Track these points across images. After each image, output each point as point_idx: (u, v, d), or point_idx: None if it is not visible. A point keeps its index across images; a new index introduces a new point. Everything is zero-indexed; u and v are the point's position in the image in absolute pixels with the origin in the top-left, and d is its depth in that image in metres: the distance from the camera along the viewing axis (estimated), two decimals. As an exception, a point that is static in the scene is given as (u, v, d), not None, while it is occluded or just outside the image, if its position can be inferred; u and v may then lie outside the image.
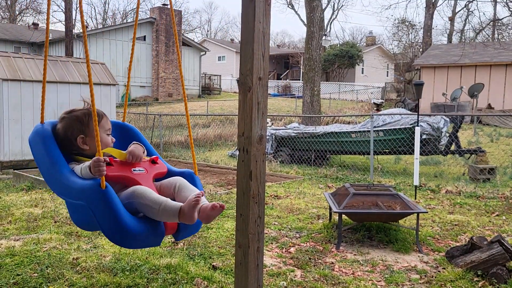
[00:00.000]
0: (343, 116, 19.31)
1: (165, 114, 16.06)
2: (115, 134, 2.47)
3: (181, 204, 1.96)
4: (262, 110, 2.34)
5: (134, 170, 2.13)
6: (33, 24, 34.33)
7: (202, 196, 2.04)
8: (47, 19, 2.35)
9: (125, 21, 46.42)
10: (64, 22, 21.82)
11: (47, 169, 2.16)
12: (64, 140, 2.22)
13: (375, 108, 23.27)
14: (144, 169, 2.18)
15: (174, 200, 2.09)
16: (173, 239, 4.54)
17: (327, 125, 14.78)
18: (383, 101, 26.16)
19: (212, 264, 3.88)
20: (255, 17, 2.23)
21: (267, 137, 11.23)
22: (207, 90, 34.60)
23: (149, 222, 2.05)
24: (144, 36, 29.37)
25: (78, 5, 2.23)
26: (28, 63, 9.58)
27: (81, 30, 30.06)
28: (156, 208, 1.94)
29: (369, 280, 3.64)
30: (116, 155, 2.15)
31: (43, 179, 7.54)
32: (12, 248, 4.19)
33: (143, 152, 2.23)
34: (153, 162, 2.28)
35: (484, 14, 60.03)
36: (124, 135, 2.55)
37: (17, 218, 5.31)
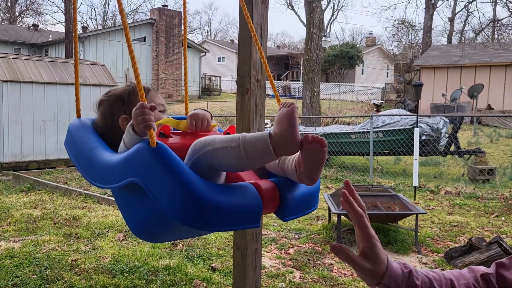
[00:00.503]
0: (343, 117, 19.31)
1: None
2: None
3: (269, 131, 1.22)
4: (260, 112, 2.35)
5: None
6: (33, 25, 34.34)
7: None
8: (75, 19, 1.84)
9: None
10: (64, 24, 21.84)
11: (85, 160, 1.60)
12: (105, 129, 1.67)
13: (375, 109, 23.27)
14: None
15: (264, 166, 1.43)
16: (171, 242, 4.54)
17: (327, 126, 14.78)
18: (383, 102, 26.17)
19: (211, 265, 3.89)
20: (253, 19, 2.23)
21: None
22: (207, 91, 34.61)
23: (237, 188, 1.29)
24: (144, 37, 29.39)
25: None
26: (28, 64, 9.59)
27: (81, 31, 30.07)
28: (235, 144, 1.20)
29: (368, 281, 3.64)
30: (173, 124, 1.52)
31: (43, 180, 7.52)
32: (11, 249, 4.20)
33: (211, 118, 1.61)
34: (228, 134, 1.46)
35: (483, 14, 60.10)
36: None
37: (17, 219, 5.31)
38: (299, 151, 1.24)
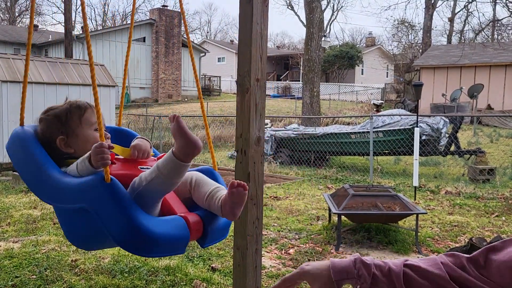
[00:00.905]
0: (343, 117, 19.31)
1: (165, 116, 16.07)
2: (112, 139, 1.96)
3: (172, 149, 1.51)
4: (260, 112, 2.34)
5: (141, 168, 1.71)
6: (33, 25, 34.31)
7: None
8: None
9: (124, 22, 46.44)
10: (63, 24, 21.84)
11: (32, 173, 1.73)
12: (46, 145, 1.78)
13: (374, 109, 23.27)
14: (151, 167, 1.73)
15: (192, 198, 1.73)
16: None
17: (326, 126, 14.77)
18: (382, 102, 26.17)
19: (211, 265, 3.88)
20: (253, 19, 2.23)
21: (267, 138, 11.22)
22: (207, 91, 34.60)
23: (169, 222, 1.59)
24: (144, 38, 29.39)
25: (80, 7, 1.79)
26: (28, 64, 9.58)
27: (81, 32, 30.06)
28: (157, 173, 1.48)
29: (368, 282, 3.63)
30: (118, 151, 1.72)
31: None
32: (10, 250, 4.19)
33: (150, 147, 1.83)
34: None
35: (483, 14, 60.11)
36: (121, 141, 2.08)
37: (16, 220, 5.30)
38: (226, 193, 1.54)
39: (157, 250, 1.54)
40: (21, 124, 1.88)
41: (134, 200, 1.53)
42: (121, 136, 2.11)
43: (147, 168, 1.63)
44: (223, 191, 1.63)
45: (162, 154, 1.80)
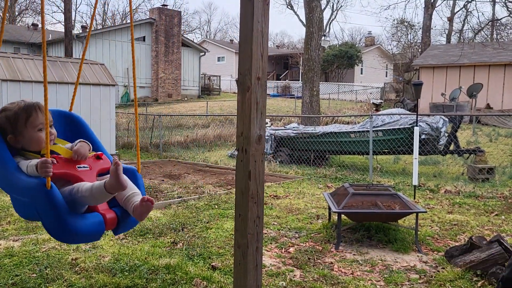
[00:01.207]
0: (342, 116, 19.32)
1: (164, 115, 16.06)
2: (61, 125, 2.57)
3: (106, 179, 2.05)
4: (260, 110, 2.34)
5: (78, 167, 2.22)
6: (33, 24, 34.31)
7: (118, 165, 2.02)
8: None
9: (124, 21, 46.41)
10: (63, 23, 21.81)
11: None
12: (3, 138, 2.24)
13: (374, 108, 23.28)
14: (88, 166, 2.27)
15: (116, 197, 2.23)
16: (172, 240, 4.54)
17: (326, 125, 14.78)
18: (382, 101, 26.18)
19: (212, 264, 3.88)
20: (254, 17, 2.23)
21: (267, 137, 11.23)
22: (207, 90, 34.60)
23: (89, 219, 2.14)
24: (144, 37, 29.38)
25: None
26: (27, 63, 9.57)
27: (80, 31, 30.01)
28: (89, 193, 2.03)
29: (368, 280, 3.64)
30: (62, 153, 2.22)
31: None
32: (11, 248, 4.19)
33: (89, 150, 2.32)
34: (98, 157, 2.36)
35: (483, 14, 60.03)
36: (71, 126, 2.63)
37: (16, 218, 5.30)
38: (139, 201, 2.11)
39: (77, 240, 2.23)
40: None
41: (68, 199, 2.07)
42: (70, 122, 2.65)
43: (85, 167, 2.23)
44: (137, 197, 2.16)
45: (100, 152, 2.41)
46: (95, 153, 2.39)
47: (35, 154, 2.20)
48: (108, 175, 2.08)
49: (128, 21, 44.00)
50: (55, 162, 2.07)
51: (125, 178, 2.04)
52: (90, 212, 2.20)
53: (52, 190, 2.01)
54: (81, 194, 2.04)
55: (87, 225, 2.11)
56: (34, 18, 43.70)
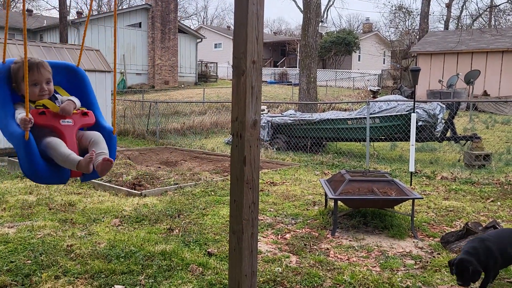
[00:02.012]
0: (340, 103, 19.27)
1: (161, 102, 15.98)
2: (64, 76, 2.91)
3: (81, 158, 2.46)
4: (256, 94, 2.31)
5: (62, 122, 2.58)
6: (27, 10, 33.92)
7: (101, 156, 2.50)
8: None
9: (120, 7, 45.92)
10: (58, 9, 21.57)
11: None
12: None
13: (371, 95, 23.23)
14: (72, 121, 2.62)
15: (88, 150, 2.59)
16: (168, 227, 4.53)
17: (323, 112, 14.74)
18: (379, 88, 26.12)
19: (207, 250, 3.88)
20: (249, -1, 2.18)
21: (263, 124, 11.19)
22: (204, 77, 34.42)
23: (56, 168, 2.57)
24: (140, 23, 29.09)
25: None
26: (22, 49, 9.46)
27: (76, 17, 29.67)
28: (61, 159, 2.46)
29: (364, 266, 3.64)
30: (51, 107, 2.59)
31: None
32: (6, 235, 4.17)
33: (74, 109, 2.67)
34: (84, 114, 2.70)
35: (481, 0, 59.69)
36: (74, 80, 2.94)
37: (12, 205, 5.28)
38: (101, 160, 2.48)
39: (45, 182, 2.65)
40: (3, 61, 2.67)
41: (42, 148, 2.49)
42: (74, 76, 2.95)
43: (68, 122, 2.60)
44: (102, 156, 2.49)
45: (89, 111, 2.78)
46: (83, 109, 2.73)
47: (32, 103, 2.57)
48: (89, 140, 2.62)
49: (125, 7, 43.57)
50: (33, 120, 2.43)
51: (95, 167, 2.49)
52: None
53: (29, 141, 2.41)
54: (53, 154, 2.48)
55: (54, 172, 2.56)
56: (29, 3, 43.15)
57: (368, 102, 9.57)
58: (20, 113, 2.49)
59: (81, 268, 3.43)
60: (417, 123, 8.39)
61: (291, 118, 11.06)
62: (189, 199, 5.76)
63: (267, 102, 19.16)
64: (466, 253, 2.97)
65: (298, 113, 12.20)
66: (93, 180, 6.56)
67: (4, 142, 9.04)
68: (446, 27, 34.10)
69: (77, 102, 2.75)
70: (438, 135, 9.60)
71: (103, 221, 4.70)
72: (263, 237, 4.35)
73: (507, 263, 3.19)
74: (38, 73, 2.61)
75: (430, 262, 3.72)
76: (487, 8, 27.26)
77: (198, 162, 9.30)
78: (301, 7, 17.72)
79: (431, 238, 4.37)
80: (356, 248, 4.07)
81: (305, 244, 4.12)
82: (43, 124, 2.52)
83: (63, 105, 2.63)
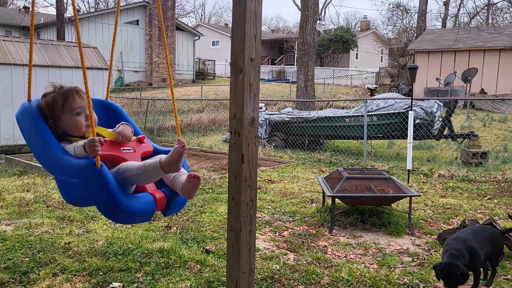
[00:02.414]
0: (337, 100, 19.28)
1: (158, 99, 15.95)
2: (98, 113, 2.44)
3: (160, 157, 2.03)
4: (254, 92, 2.31)
5: (123, 149, 2.18)
6: (24, 7, 33.79)
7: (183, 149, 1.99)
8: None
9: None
10: (55, 6, 21.49)
11: (38, 147, 2.14)
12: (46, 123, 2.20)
13: (369, 93, 23.25)
14: (132, 148, 2.24)
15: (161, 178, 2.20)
16: (166, 224, 4.53)
17: (321, 110, 14.74)
18: (377, 86, 26.15)
19: (205, 248, 3.88)
20: (247, -3, 2.18)
21: (261, 122, 11.19)
22: (201, 75, 34.38)
23: (141, 198, 2.10)
24: (137, 20, 29.02)
25: None
26: (19, 46, 9.43)
27: (73, 14, 29.64)
28: (142, 171, 1.99)
29: (362, 263, 3.66)
30: (106, 135, 2.17)
31: (35, 164, 7.47)
32: (3, 232, 4.17)
33: (131, 132, 2.27)
34: (140, 141, 2.33)
35: (479, -2, 59.65)
36: (108, 113, 2.57)
37: (9, 203, 5.27)
38: (185, 178, 2.06)
39: (130, 220, 2.15)
40: (29, 99, 2.23)
41: (116, 179, 2.01)
42: (108, 110, 2.57)
43: (129, 149, 2.20)
44: (184, 176, 2.11)
45: (142, 136, 2.36)
46: (137, 136, 2.35)
47: (78, 138, 2.12)
48: (154, 157, 2.15)
49: (122, 3, 43.40)
50: (102, 140, 1.99)
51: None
52: (140, 193, 2.15)
53: (103, 169, 1.95)
54: (131, 173, 2.00)
55: (139, 204, 2.07)
56: (26, 0, 42.98)
57: (366, 100, 9.58)
58: (77, 143, 2.04)
59: (79, 265, 3.43)
60: (414, 121, 8.40)
61: (289, 116, 11.06)
62: (187, 196, 5.76)
63: (265, 100, 19.16)
64: (451, 256, 2.87)
65: (295, 111, 12.20)
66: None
67: (1, 139, 9.02)
68: (444, 25, 34.13)
69: (132, 127, 2.33)
70: (436, 133, 9.62)
71: (100, 219, 4.70)
72: (261, 234, 4.36)
73: (485, 261, 3.17)
74: (80, 98, 2.17)
75: (427, 260, 3.73)
76: (484, 6, 27.26)
77: (196, 159, 9.30)
78: (299, 4, 17.71)
79: (428, 236, 4.39)
80: (354, 245, 4.08)
81: (302, 242, 4.13)
82: (104, 155, 2.04)
83: (119, 129, 2.21)
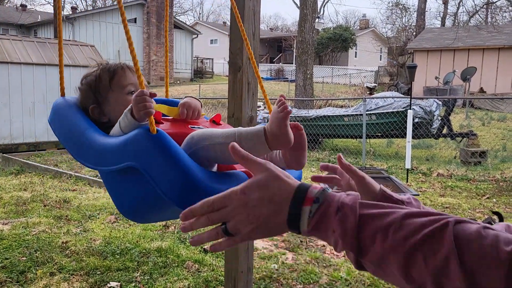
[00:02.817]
0: (336, 99, 19.26)
1: (157, 99, 15.89)
2: None
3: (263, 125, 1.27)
4: (252, 91, 2.29)
5: (192, 128, 1.52)
6: (21, 5, 33.67)
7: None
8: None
9: (115, 2, 45.67)
10: (52, 4, 21.42)
11: (75, 140, 1.58)
12: (86, 114, 1.65)
13: (368, 92, 23.25)
14: (204, 127, 1.54)
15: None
16: (163, 223, 4.51)
17: (319, 108, 14.73)
18: (376, 85, 26.14)
19: (203, 247, 3.87)
20: (245, -6, 2.16)
21: (260, 120, 11.17)
22: (199, 73, 34.33)
23: (231, 176, 1.36)
24: (135, 19, 28.95)
25: None
26: (16, 45, 9.39)
27: (70, 12, 29.52)
28: (237, 139, 1.23)
29: (360, 263, 3.64)
30: (165, 110, 1.56)
31: (32, 163, 7.42)
32: (0, 232, 4.14)
33: (201, 106, 1.65)
34: (214, 122, 1.65)
35: (477, -3, 59.75)
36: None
37: (6, 202, 5.25)
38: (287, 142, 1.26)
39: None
40: (62, 95, 1.77)
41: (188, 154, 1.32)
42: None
43: (199, 128, 1.49)
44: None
45: (215, 115, 1.66)
46: (210, 118, 1.69)
47: None
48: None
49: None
50: (155, 94, 1.36)
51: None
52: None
53: (161, 134, 1.27)
54: (212, 142, 1.26)
55: (231, 183, 1.25)
56: (23, -2, 42.82)
57: (365, 98, 9.57)
58: (121, 116, 1.42)
59: (76, 265, 3.41)
60: (413, 120, 8.39)
61: (288, 115, 11.03)
62: (185, 195, 5.74)
63: (263, 99, 19.11)
64: None
65: (294, 109, 12.19)
66: (88, 177, 6.53)
67: (-1, 138, 8.99)
68: (443, 23, 34.14)
69: (200, 101, 1.68)
70: (435, 132, 9.61)
71: (98, 218, 4.68)
72: (259, 233, 4.34)
73: None
74: (132, 74, 1.64)
75: (426, 259, 3.72)
76: (483, 5, 27.28)
77: (194, 158, 9.28)
78: (298, 3, 17.68)
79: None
80: (352, 244, 4.07)
81: (301, 241, 4.12)
82: (168, 133, 1.36)
83: (184, 100, 1.61)
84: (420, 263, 0.61)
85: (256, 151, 1.21)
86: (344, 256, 3.80)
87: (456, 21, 33.79)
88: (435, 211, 0.66)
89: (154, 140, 1.26)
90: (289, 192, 0.77)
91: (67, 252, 3.68)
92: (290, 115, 1.23)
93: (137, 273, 3.30)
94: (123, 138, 1.36)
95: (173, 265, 3.45)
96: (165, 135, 1.28)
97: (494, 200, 5.77)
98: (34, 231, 4.20)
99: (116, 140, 1.38)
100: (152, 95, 1.33)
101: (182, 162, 1.24)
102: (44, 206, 5.12)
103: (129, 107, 1.36)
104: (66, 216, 4.72)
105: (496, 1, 24.12)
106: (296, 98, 15.42)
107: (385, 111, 9.67)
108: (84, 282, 3.13)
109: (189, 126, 1.53)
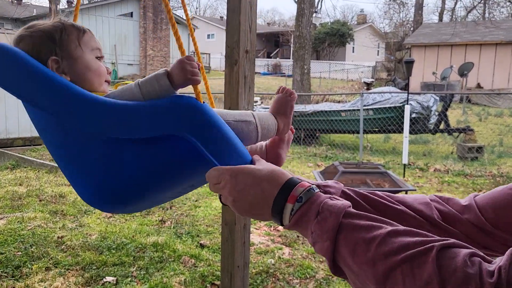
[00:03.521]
0: (333, 94, 19.25)
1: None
2: None
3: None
4: (249, 85, 2.27)
5: None
6: (17, -1, 33.44)
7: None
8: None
9: (112, -3, 45.44)
10: (49, -3, 21.31)
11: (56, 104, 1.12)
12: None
13: (365, 87, 23.23)
14: None
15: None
16: (160, 218, 4.50)
17: (317, 103, 14.71)
18: (373, 80, 26.11)
19: (200, 242, 3.85)
20: (242, -13, 2.13)
21: (257, 115, 11.15)
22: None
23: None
24: (131, 13, 28.80)
25: None
26: (11, 38, 9.30)
27: (66, 6, 29.33)
28: (251, 119, 1.20)
29: (357, 258, 3.64)
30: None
31: (28, 157, 7.36)
32: (-5, 227, 4.12)
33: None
34: None
35: (475, -7, 59.74)
36: None
37: (1, 196, 5.22)
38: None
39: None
40: None
41: None
42: None
43: None
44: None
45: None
46: None
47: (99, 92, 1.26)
48: None
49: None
50: (200, 64, 1.19)
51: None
52: None
53: (206, 106, 1.12)
54: (235, 119, 1.19)
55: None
56: (19, -8, 42.52)
57: (362, 94, 9.55)
58: (148, 76, 1.15)
59: (72, 259, 3.39)
60: (410, 115, 8.38)
61: (285, 110, 11.01)
62: (182, 190, 5.73)
63: (261, 94, 19.09)
64: None
65: (291, 104, 12.15)
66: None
67: (-6, 133, 8.93)
68: (441, 19, 34.12)
69: None
70: (432, 127, 9.61)
71: (94, 213, 4.66)
72: (256, 228, 4.33)
73: None
74: (93, 39, 1.40)
75: (422, 254, 3.72)
76: (481, 0, 27.26)
77: (191, 153, 9.25)
78: (295, -3, 17.61)
79: (423, 230, 4.38)
80: (349, 239, 4.06)
81: (298, 236, 4.11)
82: None
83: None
84: (398, 283, 0.61)
85: (270, 126, 1.25)
86: (340, 251, 3.80)
87: (454, 16, 33.78)
88: (423, 232, 0.66)
89: (209, 110, 1.12)
90: (277, 186, 0.81)
91: (62, 247, 3.66)
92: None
93: (133, 268, 3.29)
94: (162, 103, 1.12)
95: (169, 260, 3.44)
96: (208, 108, 1.14)
97: (491, 195, 5.78)
98: (30, 226, 4.18)
99: (148, 105, 1.13)
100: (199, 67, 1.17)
101: (230, 135, 1.12)
102: (40, 201, 5.09)
103: (162, 70, 1.13)
104: (62, 211, 4.70)
105: (493, -3, 24.11)
106: (293, 93, 15.38)
107: (382, 106, 9.66)
108: (80, 277, 3.11)
109: None
